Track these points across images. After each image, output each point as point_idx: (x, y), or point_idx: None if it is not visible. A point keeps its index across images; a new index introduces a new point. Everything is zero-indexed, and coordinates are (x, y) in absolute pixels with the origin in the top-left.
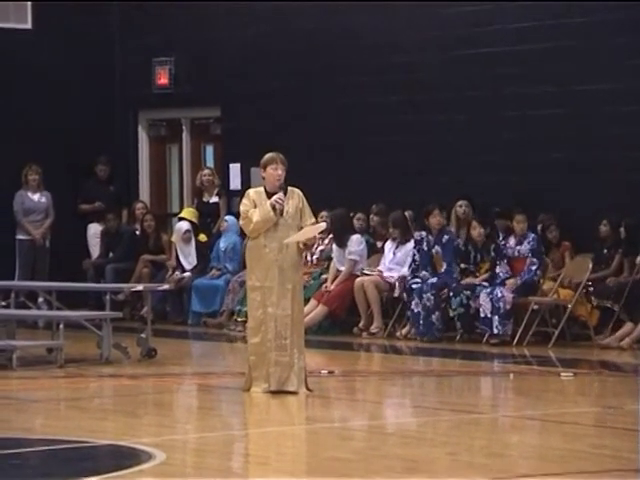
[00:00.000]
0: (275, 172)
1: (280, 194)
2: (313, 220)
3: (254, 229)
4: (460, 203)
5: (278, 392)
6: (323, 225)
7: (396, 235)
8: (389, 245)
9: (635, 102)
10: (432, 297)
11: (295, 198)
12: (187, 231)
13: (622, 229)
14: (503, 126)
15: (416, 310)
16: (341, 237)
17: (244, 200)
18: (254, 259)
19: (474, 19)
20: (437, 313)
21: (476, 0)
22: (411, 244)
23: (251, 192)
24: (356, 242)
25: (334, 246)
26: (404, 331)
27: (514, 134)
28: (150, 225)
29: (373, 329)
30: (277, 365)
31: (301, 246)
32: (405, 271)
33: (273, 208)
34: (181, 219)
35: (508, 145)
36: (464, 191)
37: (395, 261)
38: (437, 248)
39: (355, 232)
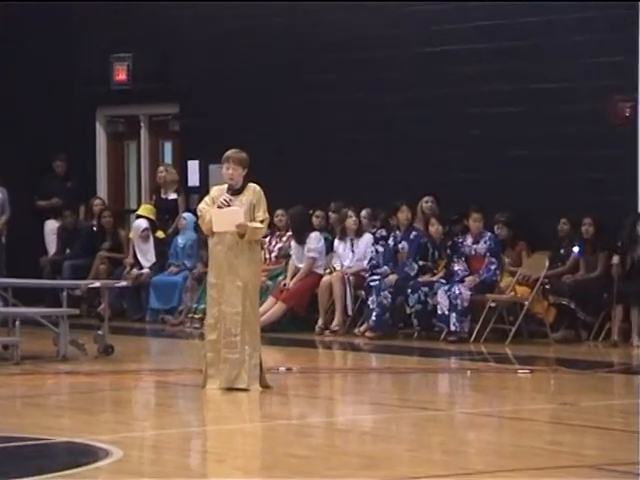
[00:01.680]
0: (227, 172)
1: (226, 195)
2: (267, 216)
3: (206, 228)
4: (426, 199)
5: (230, 389)
6: (237, 209)
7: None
8: (342, 244)
9: (592, 100)
10: (389, 295)
11: (250, 194)
12: (145, 229)
13: (588, 227)
14: (464, 124)
15: (371, 306)
16: (300, 234)
17: (205, 198)
18: (211, 257)
19: (436, 17)
20: (393, 311)
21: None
22: (365, 238)
23: (214, 190)
24: (315, 239)
25: (293, 243)
26: (362, 328)
27: (475, 132)
28: (108, 222)
29: (334, 326)
30: (226, 362)
31: (250, 238)
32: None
33: (220, 209)
34: (139, 216)
35: (467, 143)
36: (424, 189)
37: (356, 258)
38: (404, 244)
39: (314, 229)
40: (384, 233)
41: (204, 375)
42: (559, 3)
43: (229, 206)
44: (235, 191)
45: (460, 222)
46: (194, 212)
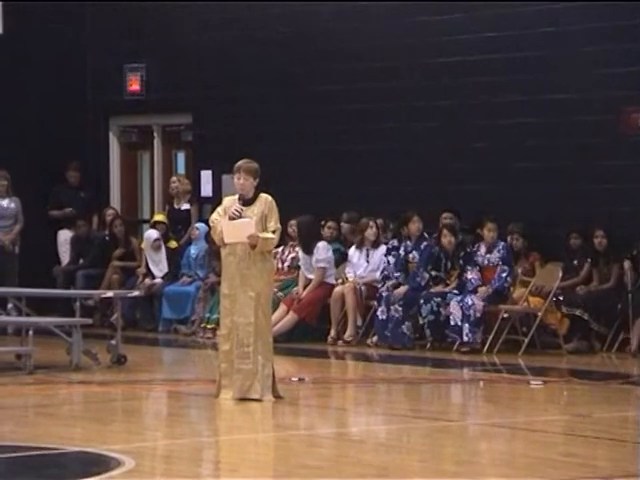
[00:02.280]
0: (238, 182)
1: (237, 205)
2: (279, 226)
3: (218, 239)
4: (445, 215)
5: (243, 400)
6: (248, 220)
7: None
8: (357, 253)
9: (603, 112)
10: (400, 308)
11: (262, 204)
12: (157, 239)
13: (601, 239)
14: (476, 135)
15: (381, 317)
16: (308, 244)
17: (217, 209)
18: (223, 268)
19: (445, 28)
20: (407, 323)
21: (448, 0)
22: (381, 249)
23: (226, 200)
24: (323, 249)
25: (300, 253)
26: (374, 339)
27: (484, 143)
28: (120, 231)
29: (347, 337)
30: (239, 373)
31: (261, 249)
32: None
33: (231, 219)
34: (155, 223)
35: (478, 154)
36: (436, 200)
37: (370, 268)
38: (414, 254)
39: (321, 239)
40: (396, 243)
41: (217, 385)
42: (570, 14)
43: (240, 217)
44: (246, 201)
45: (472, 232)
46: (207, 222)
